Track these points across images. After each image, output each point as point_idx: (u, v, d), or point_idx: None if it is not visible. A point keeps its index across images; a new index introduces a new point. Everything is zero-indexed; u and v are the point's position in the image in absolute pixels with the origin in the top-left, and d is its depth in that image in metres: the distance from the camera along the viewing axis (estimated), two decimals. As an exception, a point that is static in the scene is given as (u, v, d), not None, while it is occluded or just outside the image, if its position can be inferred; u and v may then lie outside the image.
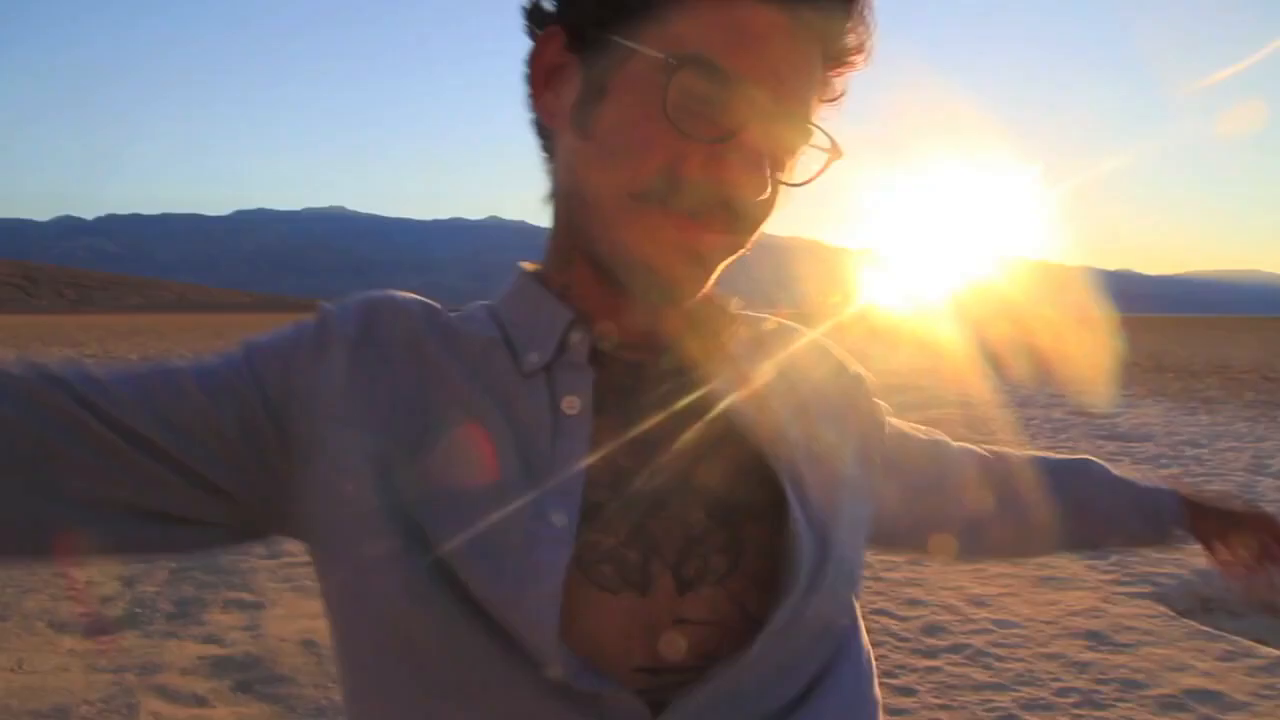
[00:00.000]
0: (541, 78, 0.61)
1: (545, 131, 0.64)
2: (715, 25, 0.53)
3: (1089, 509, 0.88)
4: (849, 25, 0.57)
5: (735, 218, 0.57)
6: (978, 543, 0.86)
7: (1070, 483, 0.88)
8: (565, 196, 0.62)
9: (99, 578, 4.44)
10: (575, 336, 0.60)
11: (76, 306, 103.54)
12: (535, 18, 0.61)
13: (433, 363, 0.59)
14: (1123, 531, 0.89)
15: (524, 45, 0.63)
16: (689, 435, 0.59)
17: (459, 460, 0.56)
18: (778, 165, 0.58)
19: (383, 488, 0.55)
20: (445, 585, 0.53)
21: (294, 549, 5.00)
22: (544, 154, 0.65)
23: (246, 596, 4.26)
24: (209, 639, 3.72)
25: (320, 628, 3.84)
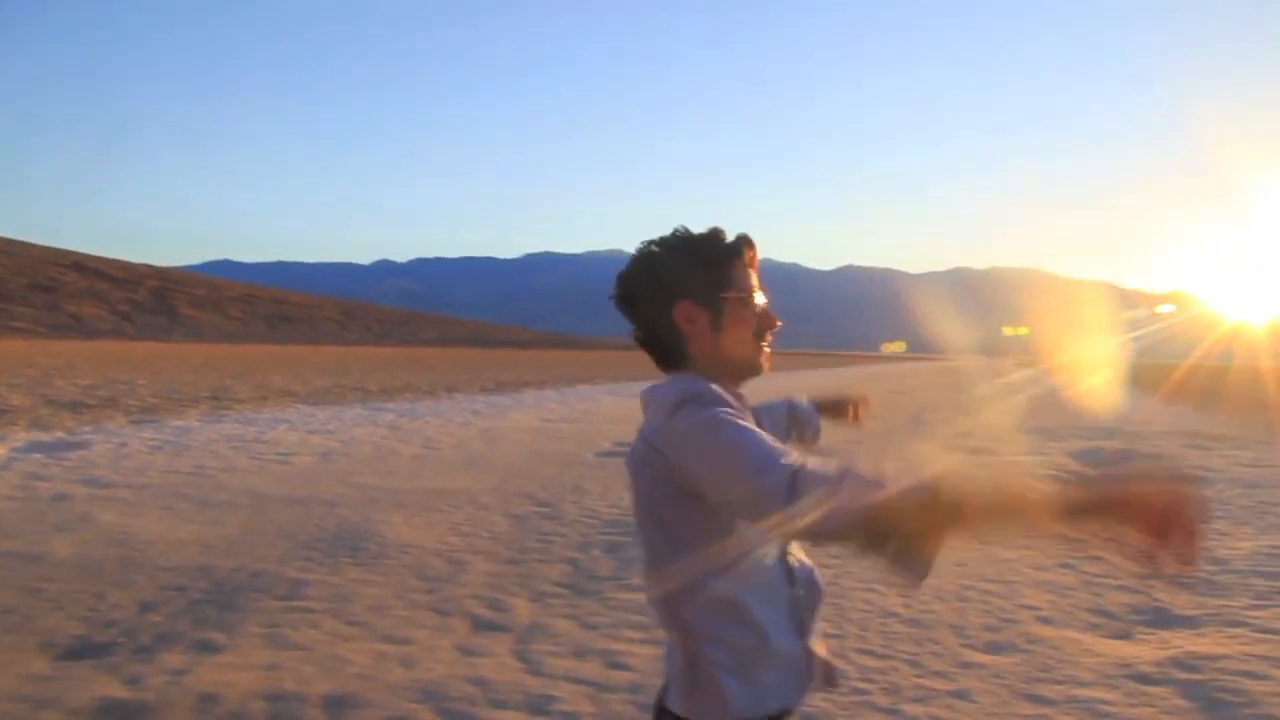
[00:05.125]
0: (684, 319, 1.41)
1: (676, 339, 1.42)
2: (748, 272, 1.45)
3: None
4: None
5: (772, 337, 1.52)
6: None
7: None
8: (706, 357, 1.42)
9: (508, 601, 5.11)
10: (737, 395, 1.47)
11: (380, 340, 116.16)
12: (667, 296, 1.41)
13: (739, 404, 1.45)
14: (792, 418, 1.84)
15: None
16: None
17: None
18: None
19: None
20: None
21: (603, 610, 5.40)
22: (664, 354, 1.45)
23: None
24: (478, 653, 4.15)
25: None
